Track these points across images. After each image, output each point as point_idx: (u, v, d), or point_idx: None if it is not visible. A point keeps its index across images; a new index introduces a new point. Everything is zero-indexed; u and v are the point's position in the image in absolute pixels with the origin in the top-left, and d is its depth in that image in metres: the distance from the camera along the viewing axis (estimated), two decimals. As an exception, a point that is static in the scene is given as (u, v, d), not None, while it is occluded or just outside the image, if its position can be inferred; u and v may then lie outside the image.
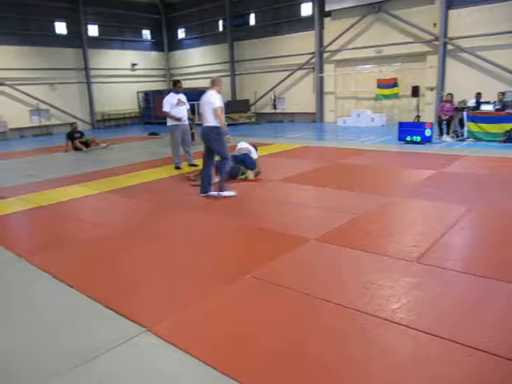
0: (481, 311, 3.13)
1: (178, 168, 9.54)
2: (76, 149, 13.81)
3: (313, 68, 21.21)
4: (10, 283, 4.05)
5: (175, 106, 9.22)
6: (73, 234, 5.45)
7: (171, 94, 9.39)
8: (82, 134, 14.41)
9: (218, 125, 6.69)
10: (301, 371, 2.56)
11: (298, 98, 22.00)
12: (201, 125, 6.99)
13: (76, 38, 23.25)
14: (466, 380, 2.44)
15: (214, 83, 6.87)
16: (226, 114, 22.52)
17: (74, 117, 22.90)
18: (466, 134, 12.45)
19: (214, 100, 6.64)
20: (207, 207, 6.39)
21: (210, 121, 6.70)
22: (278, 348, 2.79)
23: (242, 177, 8.11)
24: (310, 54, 21.01)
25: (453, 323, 2.97)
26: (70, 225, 5.89)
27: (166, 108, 9.22)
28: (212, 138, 6.74)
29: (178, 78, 27.76)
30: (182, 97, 9.47)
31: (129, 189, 7.81)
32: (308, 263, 4.17)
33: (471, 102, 13.49)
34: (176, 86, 9.48)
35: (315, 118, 21.39)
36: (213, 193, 6.95)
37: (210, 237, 5.09)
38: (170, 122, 9.38)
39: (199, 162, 9.37)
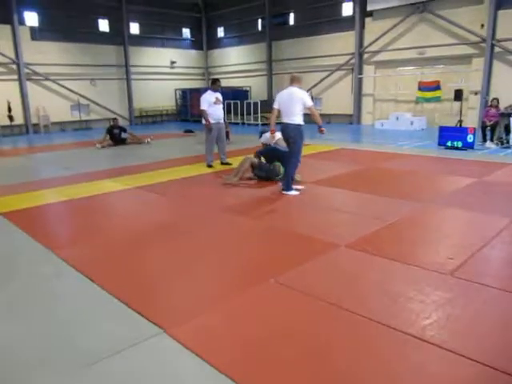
0: (521, 334, 2.88)
1: (209, 166, 9.49)
2: (116, 143, 14.01)
3: (352, 69, 20.80)
4: (34, 275, 4.07)
5: (212, 104, 9.14)
6: (101, 228, 5.48)
7: (209, 91, 9.29)
8: (122, 129, 14.43)
9: (302, 123, 6.65)
10: (321, 380, 2.41)
11: (336, 99, 21.63)
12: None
13: (118, 36, 23.76)
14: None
15: (296, 80, 6.79)
16: (261, 113, 22.42)
17: (113, 112, 23.41)
18: (511, 141, 11.84)
19: (304, 97, 6.62)
20: (236, 207, 6.29)
21: (295, 118, 6.59)
22: (299, 358, 2.65)
23: (278, 178, 7.70)
24: (349, 54, 20.60)
25: (488, 345, 2.74)
26: (98, 219, 5.93)
27: (204, 106, 9.13)
28: (296, 136, 6.65)
29: (216, 76, 27.96)
30: (219, 95, 9.38)
31: (161, 185, 7.83)
32: (335, 271, 3.99)
33: (518, 108, 12.85)
34: (215, 85, 9.34)
35: (352, 119, 20.98)
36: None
37: (235, 238, 5.00)
38: (204, 120, 9.34)
39: (232, 160, 9.36)
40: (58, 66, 21.46)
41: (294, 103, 6.55)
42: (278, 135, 7.48)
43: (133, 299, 3.44)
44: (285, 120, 6.68)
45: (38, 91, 21.05)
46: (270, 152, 7.90)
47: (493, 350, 2.69)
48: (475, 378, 2.44)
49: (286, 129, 6.71)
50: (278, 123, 6.91)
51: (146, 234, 5.15)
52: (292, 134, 6.66)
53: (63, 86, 21.78)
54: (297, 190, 6.94)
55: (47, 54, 21.09)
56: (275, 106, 6.83)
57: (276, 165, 7.77)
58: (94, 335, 2.99)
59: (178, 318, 3.16)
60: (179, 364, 2.64)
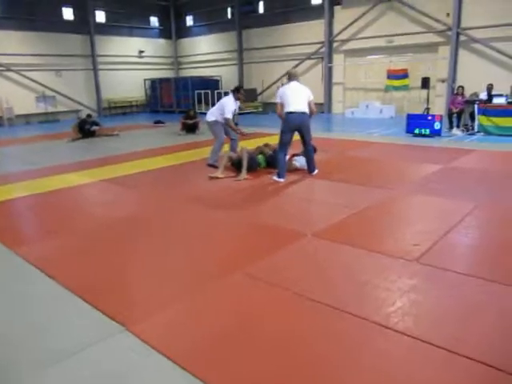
0: (483, 318, 2.91)
1: (210, 165, 8.24)
2: (85, 136, 13.53)
3: (322, 58, 20.82)
4: (-8, 274, 3.91)
5: (231, 113, 8.07)
6: (64, 223, 5.30)
7: (232, 99, 8.09)
8: (94, 123, 13.92)
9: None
10: (283, 373, 2.38)
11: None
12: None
13: (83, 25, 23.02)
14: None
15: (296, 76, 7.29)
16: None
17: (81, 104, 22.81)
18: (476, 128, 12.10)
19: (308, 91, 7.07)
20: (205, 199, 6.19)
21: (305, 108, 6.92)
22: (266, 351, 2.61)
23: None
24: (319, 43, 20.59)
25: (451, 331, 2.76)
26: (61, 215, 5.73)
27: (229, 115, 7.99)
28: (308, 125, 7.08)
29: (186, 66, 27.58)
30: (237, 106, 8.38)
31: (129, 177, 7.66)
32: (302, 260, 3.97)
33: (483, 95, 13.10)
34: (240, 94, 8.15)
35: (323, 108, 21.04)
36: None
37: (203, 230, 4.91)
38: (213, 117, 8.19)
39: (206, 150, 9.19)
40: (21, 57, 20.63)
41: (303, 95, 6.95)
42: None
43: (95, 297, 3.33)
44: (299, 109, 6.83)
45: (0, 83, 20.23)
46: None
47: (455, 334, 2.72)
48: (438, 363, 2.46)
49: (305, 117, 6.95)
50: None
51: (110, 229, 5.01)
52: (309, 123, 7.07)
53: (27, 77, 21.01)
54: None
55: (9, 44, 20.22)
56: (278, 100, 7.03)
57: (258, 157, 7.88)
58: (53, 335, 2.88)
59: (140, 314, 3.07)
60: (140, 362, 2.56)
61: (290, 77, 7.21)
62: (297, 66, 21.63)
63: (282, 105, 6.91)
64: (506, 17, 15.05)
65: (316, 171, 7.35)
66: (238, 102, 8.29)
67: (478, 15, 15.72)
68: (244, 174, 7.30)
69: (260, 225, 4.96)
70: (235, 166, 7.68)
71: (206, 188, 6.82)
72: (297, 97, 6.87)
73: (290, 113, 6.83)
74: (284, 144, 7.01)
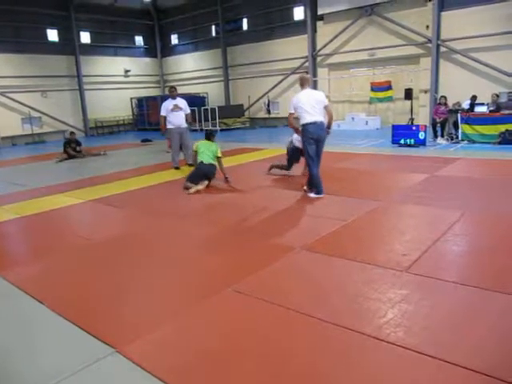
0: (475, 326, 2.92)
1: (176, 168, 10.03)
2: (70, 157, 13.49)
3: (306, 72, 21.05)
4: (-22, 300, 3.84)
5: (170, 111, 9.74)
6: (51, 246, 5.23)
7: (169, 99, 9.93)
8: (77, 143, 13.93)
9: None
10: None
11: (292, 102, 21.78)
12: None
13: (68, 45, 23.10)
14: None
15: (308, 81, 6.80)
16: (219, 119, 22.29)
17: (67, 124, 22.73)
18: (460, 137, 12.30)
19: (325, 98, 6.72)
20: (191, 216, 6.19)
21: (322, 117, 6.58)
22: (259, 368, 2.59)
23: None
24: (303, 58, 20.89)
25: (444, 340, 2.77)
26: (49, 236, 5.67)
27: (163, 113, 9.88)
28: (325, 138, 6.76)
29: (173, 83, 27.67)
30: (180, 102, 9.90)
31: (117, 197, 7.60)
32: (292, 274, 3.96)
33: (465, 104, 13.35)
34: (170, 92, 10.12)
35: (310, 122, 21.21)
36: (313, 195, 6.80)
37: (191, 247, 4.88)
38: (168, 126, 9.88)
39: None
40: (6, 79, 20.60)
41: (319, 101, 6.57)
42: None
43: (84, 319, 3.28)
44: (316, 119, 6.50)
45: (-15, 105, 20.17)
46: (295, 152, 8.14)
47: (448, 343, 2.72)
48: (431, 373, 2.46)
49: (323, 128, 6.62)
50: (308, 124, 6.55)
51: (99, 250, 4.96)
52: (323, 132, 6.66)
53: (13, 99, 20.94)
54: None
55: (-6, 67, 20.26)
56: (291, 110, 6.69)
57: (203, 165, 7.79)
58: (41, 360, 2.82)
59: (130, 335, 3.03)
60: (132, 384, 2.53)
61: (303, 83, 6.72)
62: (282, 80, 21.90)
63: (296, 115, 6.60)
64: (483, 28, 15.43)
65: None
66: (178, 99, 9.85)
67: (457, 27, 16.08)
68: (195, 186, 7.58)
69: (248, 240, 4.95)
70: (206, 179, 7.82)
71: (193, 205, 6.80)
72: (313, 106, 6.50)
73: (308, 124, 6.51)
74: (312, 156, 6.67)
